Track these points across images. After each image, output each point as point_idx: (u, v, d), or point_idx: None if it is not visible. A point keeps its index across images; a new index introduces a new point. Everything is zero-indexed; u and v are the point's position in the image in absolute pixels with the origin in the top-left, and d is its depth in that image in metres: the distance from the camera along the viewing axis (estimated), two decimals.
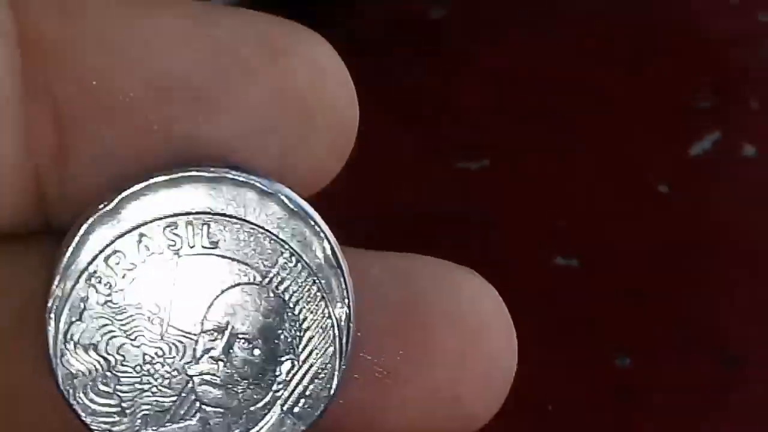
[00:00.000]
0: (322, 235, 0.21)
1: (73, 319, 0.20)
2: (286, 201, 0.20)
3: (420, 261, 0.22)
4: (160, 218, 0.20)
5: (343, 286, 0.21)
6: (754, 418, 0.32)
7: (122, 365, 0.20)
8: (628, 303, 0.34)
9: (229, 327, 0.21)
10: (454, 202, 0.41)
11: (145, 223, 0.20)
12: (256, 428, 0.21)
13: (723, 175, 0.37)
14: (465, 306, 0.21)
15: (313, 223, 0.20)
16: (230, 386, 0.21)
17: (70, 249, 0.20)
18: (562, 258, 0.35)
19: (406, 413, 0.21)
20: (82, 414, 0.20)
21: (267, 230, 0.20)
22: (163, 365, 0.21)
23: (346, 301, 0.21)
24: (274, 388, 0.21)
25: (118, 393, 0.21)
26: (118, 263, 0.20)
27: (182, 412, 0.21)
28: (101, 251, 0.20)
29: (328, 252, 0.21)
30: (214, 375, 0.21)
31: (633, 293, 0.34)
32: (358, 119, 0.21)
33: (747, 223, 0.36)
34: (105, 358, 0.20)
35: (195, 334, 0.21)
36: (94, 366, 0.20)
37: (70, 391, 0.20)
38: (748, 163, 0.38)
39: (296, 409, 0.21)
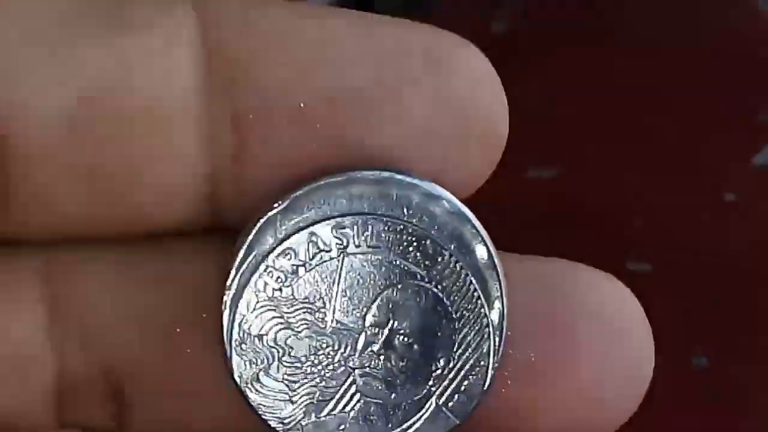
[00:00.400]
0: (480, 237, 0.22)
1: (247, 310, 0.21)
2: (447, 204, 0.21)
3: (561, 264, 0.23)
4: (330, 218, 0.21)
5: (499, 286, 0.22)
6: None
7: (289, 355, 0.21)
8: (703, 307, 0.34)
9: (390, 323, 0.22)
10: None
11: (315, 222, 0.21)
12: (412, 421, 0.22)
13: None
14: (607, 310, 0.22)
15: (471, 226, 0.22)
16: (389, 380, 0.22)
17: (246, 244, 0.21)
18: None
19: (551, 414, 0.22)
20: (253, 400, 0.21)
21: (429, 232, 0.21)
22: (326, 357, 0.22)
23: (502, 301, 0.22)
24: (430, 383, 0.22)
25: (285, 381, 0.22)
26: (289, 259, 0.21)
27: (343, 402, 0.22)
28: (275, 248, 0.21)
29: (486, 254, 0.22)
30: (374, 368, 0.22)
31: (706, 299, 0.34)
32: (508, 126, 0.22)
33: None
34: (274, 348, 0.21)
35: (357, 329, 0.22)
36: (264, 355, 0.21)
37: (242, 377, 0.21)
38: None
39: (451, 404, 0.22)
